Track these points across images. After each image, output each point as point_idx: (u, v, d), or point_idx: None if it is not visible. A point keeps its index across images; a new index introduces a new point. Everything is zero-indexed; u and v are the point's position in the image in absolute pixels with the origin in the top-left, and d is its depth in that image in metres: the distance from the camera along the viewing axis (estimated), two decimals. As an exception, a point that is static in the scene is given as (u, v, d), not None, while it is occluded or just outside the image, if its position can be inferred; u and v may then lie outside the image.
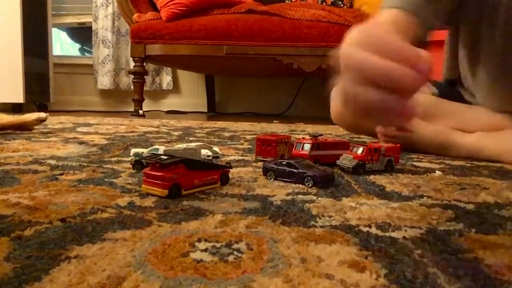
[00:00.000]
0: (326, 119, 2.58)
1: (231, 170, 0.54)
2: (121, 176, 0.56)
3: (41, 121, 1.15)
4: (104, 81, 3.02)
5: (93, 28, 3.02)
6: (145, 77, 2.40)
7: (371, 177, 0.61)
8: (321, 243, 0.32)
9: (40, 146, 0.86)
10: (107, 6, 2.97)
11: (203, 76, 3.07)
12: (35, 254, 0.29)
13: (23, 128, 1.13)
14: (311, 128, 1.68)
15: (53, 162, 0.66)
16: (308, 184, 0.53)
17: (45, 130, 1.22)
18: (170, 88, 3.10)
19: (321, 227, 0.37)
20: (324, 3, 2.49)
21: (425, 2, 0.68)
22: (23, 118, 1.13)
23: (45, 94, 2.75)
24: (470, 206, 0.45)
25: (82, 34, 3.34)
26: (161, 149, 0.61)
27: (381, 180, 0.59)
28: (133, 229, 0.34)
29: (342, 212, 0.42)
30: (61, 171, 0.59)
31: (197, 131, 1.38)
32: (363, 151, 0.64)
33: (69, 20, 3.22)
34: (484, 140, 0.83)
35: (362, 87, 0.31)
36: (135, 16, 2.28)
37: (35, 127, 1.18)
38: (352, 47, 0.33)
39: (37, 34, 2.62)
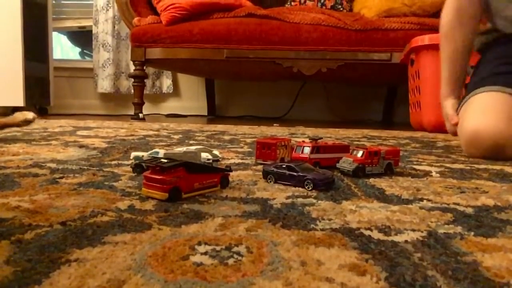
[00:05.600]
0: (325, 122, 2.58)
1: (231, 173, 0.54)
2: (121, 180, 0.56)
3: (28, 122, 1.12)
4: (104, 84, 3.03)
5: (93, 32, 3.03)
6: (145, 80, 2.40)
7: (371, 180, 0.61)
8: (321, 246, 0.32)
9: (41, 149, 0.86)
10: (108, 10, 2.98)
11: (203, 80, 3.07)
12: (35, 257, 0.29)
13: (10, 126, 1.12)
14: (311, 131, 1.68)
15: (53, 165, 0.66)
16: (308, 187, 0.53)
17: (45, 134, 1.22)
18: (170, 92, 3.11)
19: (321, 230, 0.37)
20: (323, 7, 2.50)
21: None
22: (11, 119, 1.11)
23: (45, 97, 2.75)
24: (470, 209, 0.45)
25: (83, 38, 3.35)
26: (161, 152, 0.61)
27: (380, 183, 0.59)
28: (133, 233, 0.34)
29: (342, 215, 0.42)
30: (61, 175, 0.59)
31: (197, 134, 1.39)
32: (363, 154, 0.64)
33: (70, 24, 3.23)
34: None
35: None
36: (135, 20, 2.29)
37: (25, 128, 1.17)
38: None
39: (37, 38, 2.63)
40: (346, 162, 0.64)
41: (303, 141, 0.72)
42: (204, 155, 0.70)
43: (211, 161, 0.70)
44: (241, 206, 0.44)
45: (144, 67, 2.31)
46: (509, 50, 1.05)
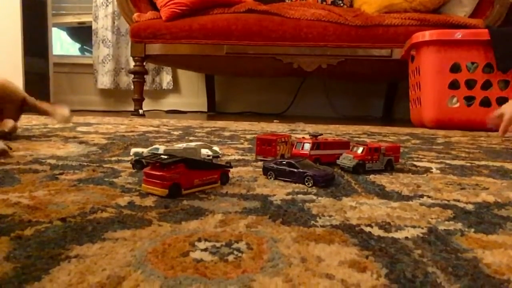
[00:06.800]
0: (326, 119, 2.58)
1: (231, 169, 0.54)
2: (121, 176, 0.56)
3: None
4: (104, 80, 3.03)
5: (93, 28, 3.02)
6: (145, 76, 2.40)
7: (371, 176, 0.61)
8: (321, 243, 0.32)
9: (40, 145, 0.86)
10: (107, 5, 2.97)
11: (203, 76, 3.07)
12: (35, 253, 0.29)
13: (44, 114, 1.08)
14: (311, 128, 1.68)
15: (53, 161, 0.66)
16: (308, 184, 0.53)
17: (45, 130, 1.22)
18: (170, 88, 3.10)
19: (321, 226, 0.37)
20: (324, 3, 2.49)
21: None
22: (51, 110, 1.06)
23: (45, 93, 2.75)
24: (470, 206, 0.45)
25: (82, 33, 3.34)
26: (161, 148, 0.61)
27: (381, 179, 0.59)
28: (133, 229, 0.34)
29: (342, 211, 0.42)
30: (61, 171, 0.59)
31: (197, 130, 1.38)
32: (363, 150, 0.64)
33: (69, 19, 3.22)
34: None
35: None
36: (135, 15, 2.28)
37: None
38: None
39: (37, 33, 2.62)
40: (347, 159, 0.64)
41: (303, 138, 0.72)
42: (204, 151, 0.70)
43: (211, 157, 0.70)
44: (241, 202, 0.44)
45: (144, 63, 2.31)
46: None
